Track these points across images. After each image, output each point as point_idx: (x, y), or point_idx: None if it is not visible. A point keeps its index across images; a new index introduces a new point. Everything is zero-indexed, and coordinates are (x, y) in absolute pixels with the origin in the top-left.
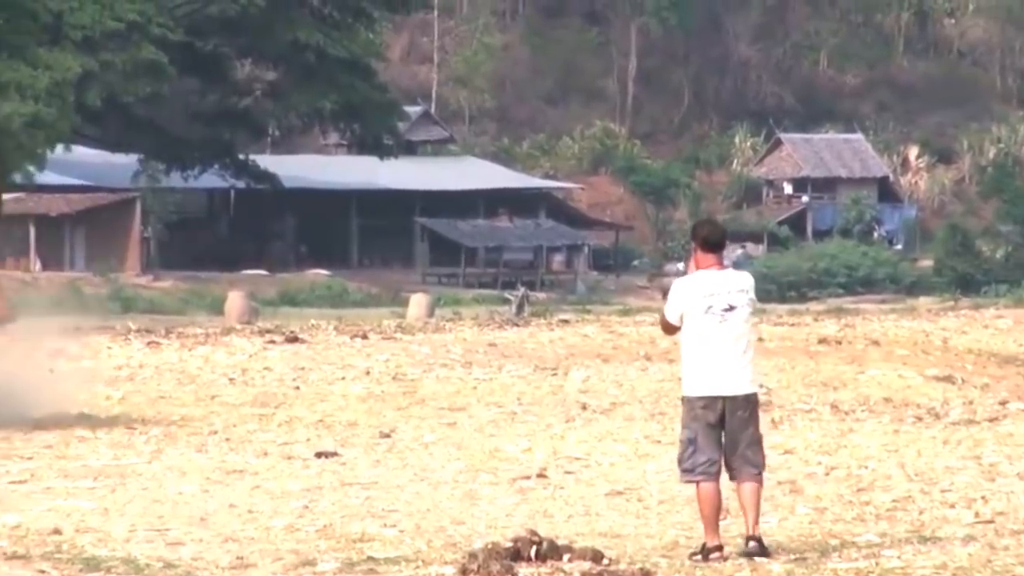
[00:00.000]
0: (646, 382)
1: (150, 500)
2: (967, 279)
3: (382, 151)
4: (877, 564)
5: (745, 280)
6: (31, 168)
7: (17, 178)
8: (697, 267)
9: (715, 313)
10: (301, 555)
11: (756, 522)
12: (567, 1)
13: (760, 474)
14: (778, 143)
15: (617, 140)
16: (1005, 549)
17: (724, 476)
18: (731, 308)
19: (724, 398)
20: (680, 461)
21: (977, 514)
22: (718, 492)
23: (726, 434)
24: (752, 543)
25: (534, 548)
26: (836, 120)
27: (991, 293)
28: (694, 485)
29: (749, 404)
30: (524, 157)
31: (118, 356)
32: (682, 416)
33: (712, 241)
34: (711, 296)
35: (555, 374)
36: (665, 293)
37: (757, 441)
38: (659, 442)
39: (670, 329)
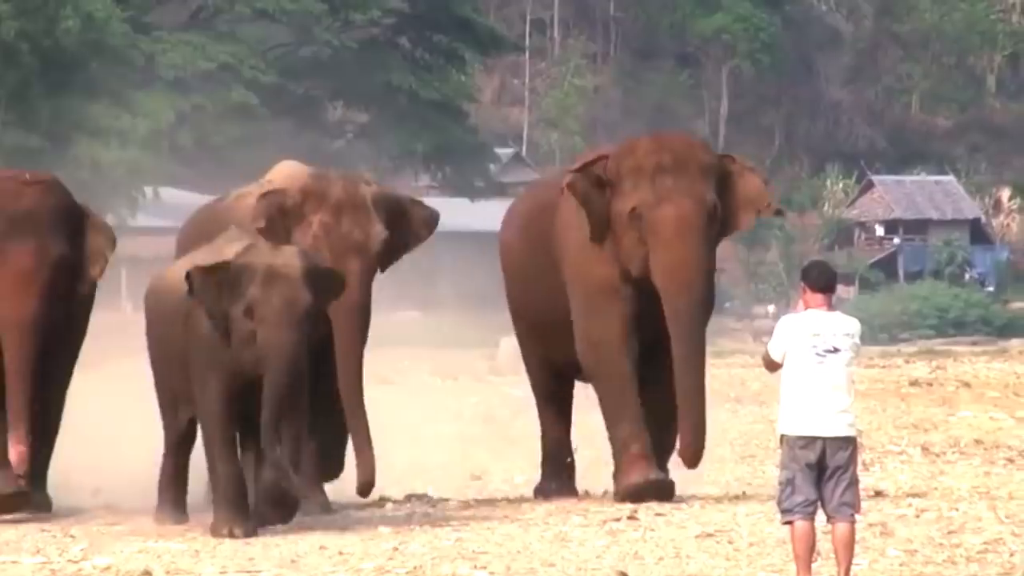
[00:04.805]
0: (737, 424)
1: (240, 542)
2: None
3: (473, 193)
4: None
5: (851, 324)
6: (124, 212)
7: (110, 219)
8: (806, 307)
9: (817, 353)
10: None
11: (848, 570)
12: (659, 44)
13: (854, 516)
14: (869, 185)
15: None
16: None
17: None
18: (835, 350)
19: (824, 439)
20: (779, 502)
21: None
22: (812, 531)
23: (825, 475)
24: None
25: None
26: (928, 162)
27: None
28: (788, 526)
29: (848, 446)
30: None
31: None
32: (781, 457)
33: (821, 282)
34: (815, 336)
35: None
36: (756, 335)
37: (854, 483)
38: (750, 484)
39: (772, 366)
